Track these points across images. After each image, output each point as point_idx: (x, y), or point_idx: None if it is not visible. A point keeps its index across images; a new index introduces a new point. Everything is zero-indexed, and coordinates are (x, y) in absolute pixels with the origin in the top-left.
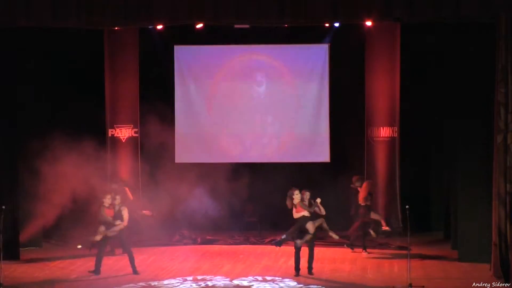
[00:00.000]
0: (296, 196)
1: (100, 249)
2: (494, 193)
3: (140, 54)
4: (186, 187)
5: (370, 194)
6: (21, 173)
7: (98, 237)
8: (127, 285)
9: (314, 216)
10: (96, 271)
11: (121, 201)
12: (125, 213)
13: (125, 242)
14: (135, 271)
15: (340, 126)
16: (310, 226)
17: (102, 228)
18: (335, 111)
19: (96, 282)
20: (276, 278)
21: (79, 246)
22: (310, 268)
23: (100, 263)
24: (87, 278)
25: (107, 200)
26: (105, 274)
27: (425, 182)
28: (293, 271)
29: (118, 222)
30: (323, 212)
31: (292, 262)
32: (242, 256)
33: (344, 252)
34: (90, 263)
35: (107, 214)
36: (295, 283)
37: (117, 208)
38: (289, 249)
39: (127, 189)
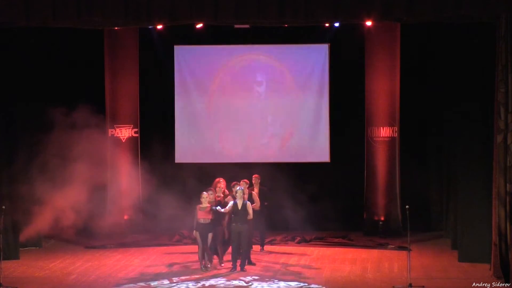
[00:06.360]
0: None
1: None
2: (494, 193)
3: (140, 54)
4: (186, 187)
5: None
6: (20, 173)
7: None
8: (127, 285)
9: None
10: None
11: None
12: None
13: None
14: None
15: (340, 126)
16: None
17: None
18: (335, 111)
19: (96, 282)
20: (276, 278)
21: None
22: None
23: None
24: (87, 279)
25: None
26: (105, 274)
27: (425, 182)
28: (293, 271)
29: None
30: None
31: (292, 262)
32: None
33: (344, 252)
34: (89, 263)
35: None
36: (295, 282)
37: None
38: (290, 249)
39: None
